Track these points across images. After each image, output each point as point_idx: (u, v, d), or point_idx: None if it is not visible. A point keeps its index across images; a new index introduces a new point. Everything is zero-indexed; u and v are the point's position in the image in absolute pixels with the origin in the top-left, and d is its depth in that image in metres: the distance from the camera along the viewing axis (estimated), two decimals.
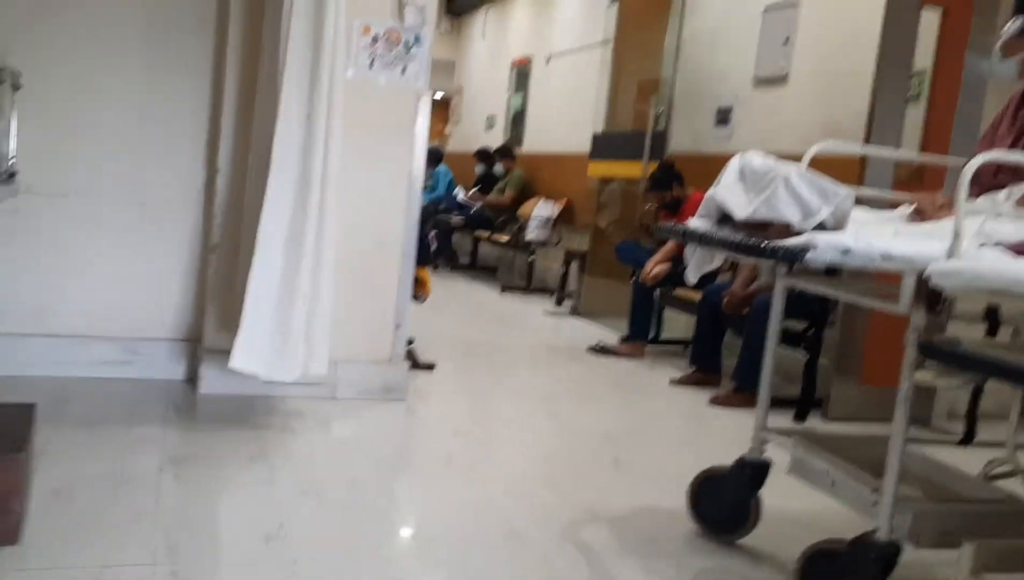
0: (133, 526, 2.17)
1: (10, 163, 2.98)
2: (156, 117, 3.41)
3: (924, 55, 4.02)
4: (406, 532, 2.38)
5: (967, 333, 1.95)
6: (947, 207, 2.11)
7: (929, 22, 3.98)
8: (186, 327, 3.53)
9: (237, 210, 3.35)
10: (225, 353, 3.00)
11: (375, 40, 3.40)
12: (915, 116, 4.05)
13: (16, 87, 2.98)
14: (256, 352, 2.99)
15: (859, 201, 2.18)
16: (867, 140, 3.88)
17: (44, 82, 3.21)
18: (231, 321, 3.12)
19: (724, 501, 2.46)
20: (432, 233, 4.28)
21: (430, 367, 4.21)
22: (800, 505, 2.66)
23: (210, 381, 3.34)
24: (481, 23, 11.11)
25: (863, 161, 3.87)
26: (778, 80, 5.15)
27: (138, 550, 2.04)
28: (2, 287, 3.27)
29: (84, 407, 3.04)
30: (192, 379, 3.44)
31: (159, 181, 3.44)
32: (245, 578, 2.02)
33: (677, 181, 5.17)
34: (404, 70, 3.46)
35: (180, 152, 3.46)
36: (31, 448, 2.21)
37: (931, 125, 4.01)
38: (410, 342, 3.97)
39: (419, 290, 4.02)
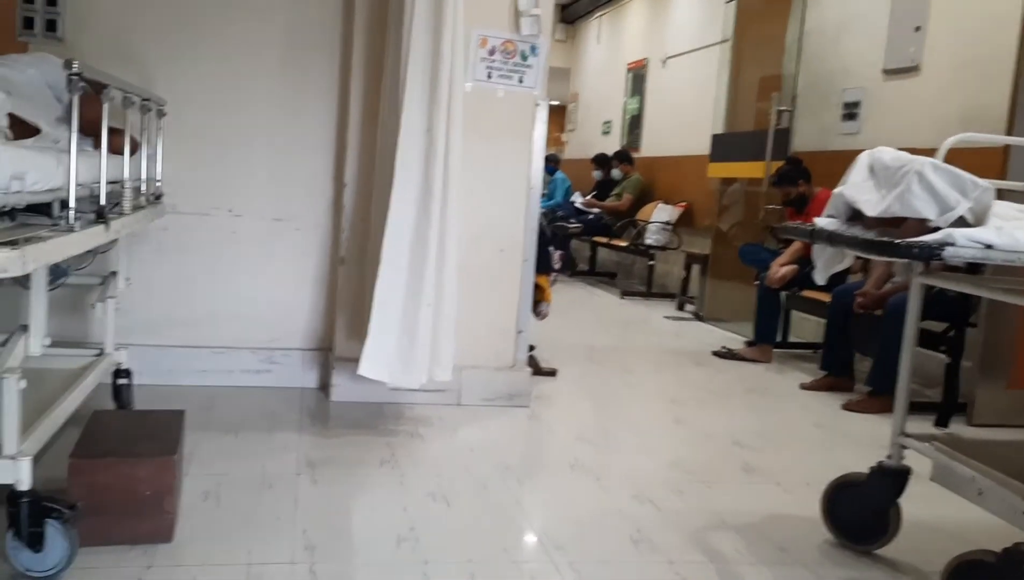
0: (274, 526, 2.28)
1: (158, 185, 3.19)
2: (287, 136, 3.59)
3: None
4: (533, 537, 2.40)
5: None
6: None
7: None
8: (318, 337, 3.68)
9: (364, 222, 3.47)
10: (355, 361, 3.11)
11: (492, 52, 3.46)
12: None
13: (161, 114, 3.19)
14: (383, 360, 3.09)
15: (1001, 194, 2.06)
16: (1009, 129, 3.66)
17: (186, 108, 3.41)
18: (360, 330, 3.24)
19: (861, 509, 2.37)
20: (558, 253, 4.31)
21: (552, 373, 4.23)
22: (943, 514, 2.53)
23: (341, 388, 3.47)
24: (596, 29, 11.10)
25: (1006, 151, 3.65)
26: (910, 70, 4.91)
27: (280, 549, 2.14)
28: (153, 301, 3.50)
29: (227, 414, 3.22)
30: (325, 387, 3.59)
31: (292, 197, 3.61)
32: (379, 578, 2.09)
33: (804, 177, 5.02)
34: (521, 80, 3.51)
35: (310, 168, 3.62)
36: (182, 452, 2.35)
37: None
38: (531, 349, 4.01)
39: (539, 296, 4.05)
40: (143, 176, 2.81)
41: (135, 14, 3.41)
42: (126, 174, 2.48)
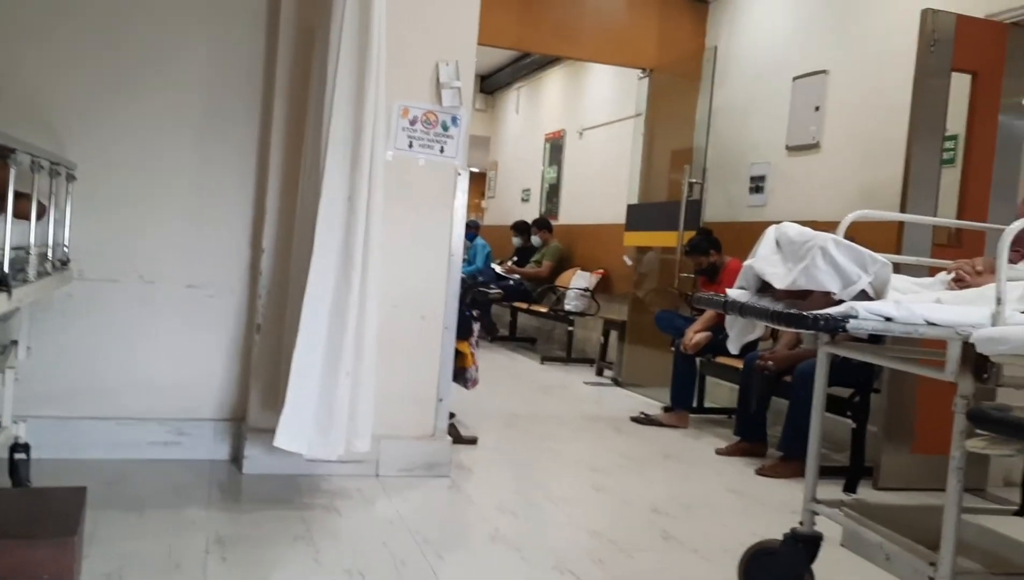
0: None
1: (65, 250, 3.10)
2: (204, 202, 3.53)
3: (957, 119, 4.03)
4: None
5: (1018, 400, 1.92)
6: (987, 272, 2.09)
7: (960, 86, 4.00)
8: (231, 407, 3.58)
9: (282, 289, 3.42)
10: (269, 432, 3.03)
11: (414, 121, 3.51)
12: (951, 180, 4.04)
13: (71, 178, 3.11)
14: (299, 430, 3.02)
15: (897, 268, 2.18)
16: (903, 206, 3.87)
17: (98, 172, 3.33)
18: (275, 400, 3.17)
19: (776, 575, 2.40)
20: (477, 328, 4.29)
21: (473, 441, 4.20)
22: (854, 579, 2.59)
23: (254, 460, 3.37)
24: (515, 100, 11.36)
25: (900, 227, 3.85)
26: (810, 147, 5.18)
27: None
28: (56, 370, 3.35)
29: (133, 489, 3.08)
30: (237, 459, 3.47)
31: (206, 263, 3.54)
32: None
33: (714, 247, 5.19)
34: (442, 149, 3.56)
35: (226, 234, 3.57)
36: (82, 532, 2.23)
37: (967, 189, 3.99)
38: (452, 416, 3.98)
39: (461, 362, 4.03)
40: (50, 241, 2.73)
41: (47, 78, 3.35)
42: (32, 240, 2.40)
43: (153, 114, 3.47)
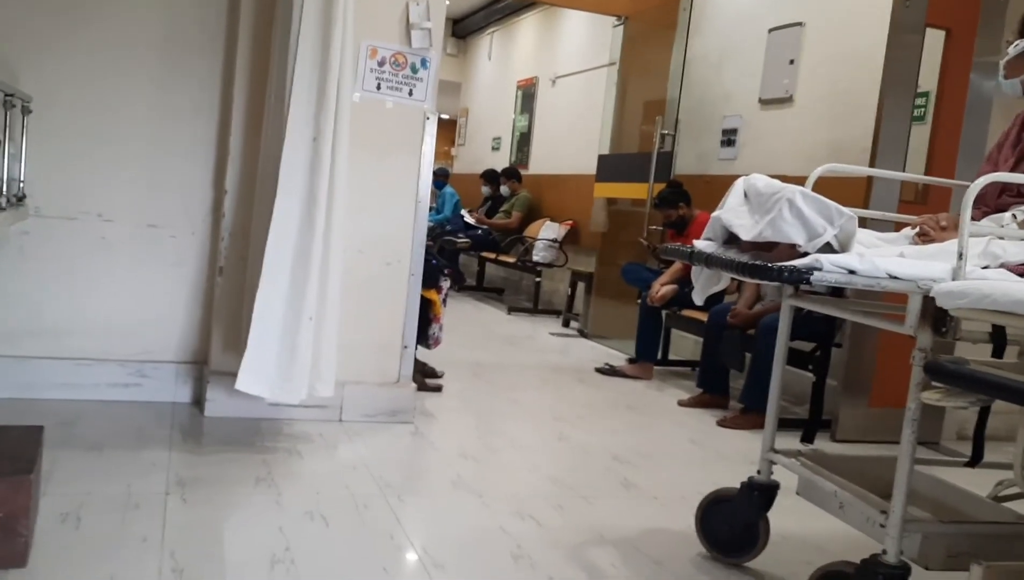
0: (139, 549, 2.17)
1: (20, 186, 3.01)
2: (165, 140, 3.45)
3: (929, 76, 4.03)
4: (413, 556, 2.37)
5: (974, 353, 1.94)
6: (951, 228, 2.11)
7: (933, 43, 3.99)
8: (193, 349, 3.54)
9: (244, 232, 3.37)
10: (231, 375, 3.01)
11: (382, 63, 3.43)
12: (920, 137, 4.06)
13: (27, 111, 3.01)
14: (262, 374, 3.00)
15: (864, 222, 2.18)
16: (872, 161, 3.88)
17: (55, 106, 3.24)
18: (238, 343, 3.13)
19: (732, 523, 2.45)
20: (447, 286, 4.22)
21: (437, 389, 4.21)
22: (808, 527, 2.65)
23: (216, 403, 3.34)
24: (487, 45, 11.19)
25: (868, 182, 3.87)
26: (784, 101, 5.17)
27: (144, 573, 2.04)
28: (12, 309, 3.28)
29: (92, 430, 3.05)
30: (199, 401, 3.45)
31: (167, 203, 3.47)
32: None
33: (684, 200, 5.19)
34: (411, 92, 3.49)
35: (188, 174, 3.49)
36: (39, 471, 2.21)
37: (936, 146, 4.02)
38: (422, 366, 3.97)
39: (430, 311, 4.00)
40: (4, 176, 2.65)
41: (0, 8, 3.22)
42: None
43: (110, 44, 3.35)
